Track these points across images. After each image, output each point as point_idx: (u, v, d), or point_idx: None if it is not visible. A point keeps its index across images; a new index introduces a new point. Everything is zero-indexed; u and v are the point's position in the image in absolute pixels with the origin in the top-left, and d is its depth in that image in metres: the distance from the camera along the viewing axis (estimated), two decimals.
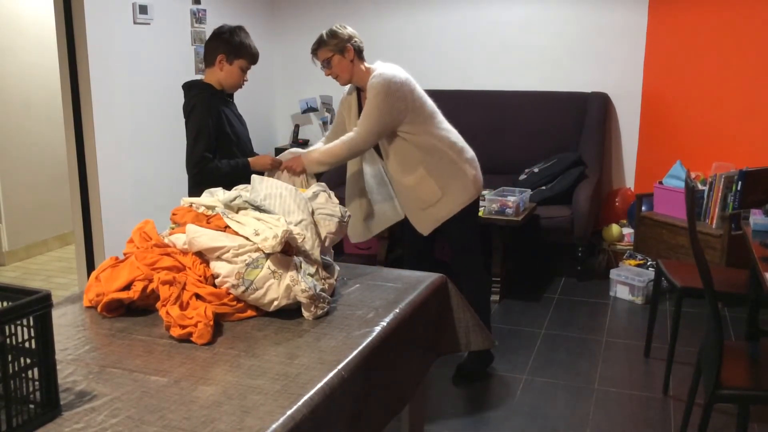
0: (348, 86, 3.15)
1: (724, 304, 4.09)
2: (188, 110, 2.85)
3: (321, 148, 2.99)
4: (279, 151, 5.55)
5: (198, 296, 1.89)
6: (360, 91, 3.09)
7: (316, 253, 2.06)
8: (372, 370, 1.76)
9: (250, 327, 1.88)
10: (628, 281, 4.29)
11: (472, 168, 3.11)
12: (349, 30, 2.99)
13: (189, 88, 2.90)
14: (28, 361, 1.36)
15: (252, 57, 2.91)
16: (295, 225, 2.06)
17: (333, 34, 2.95)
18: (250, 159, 2.92)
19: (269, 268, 1.90)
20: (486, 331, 2.41)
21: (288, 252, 1.98)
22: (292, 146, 5.66)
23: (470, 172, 3.09)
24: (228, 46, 2.86)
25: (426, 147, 3.01)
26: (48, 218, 5.46)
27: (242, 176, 2.87)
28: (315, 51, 2.99)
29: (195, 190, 2.78)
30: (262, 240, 1.93)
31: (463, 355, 3.38)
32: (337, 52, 2.94)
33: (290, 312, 1.94)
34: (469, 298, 3.15)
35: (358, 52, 2.98)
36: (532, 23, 5.12)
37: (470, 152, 3.14)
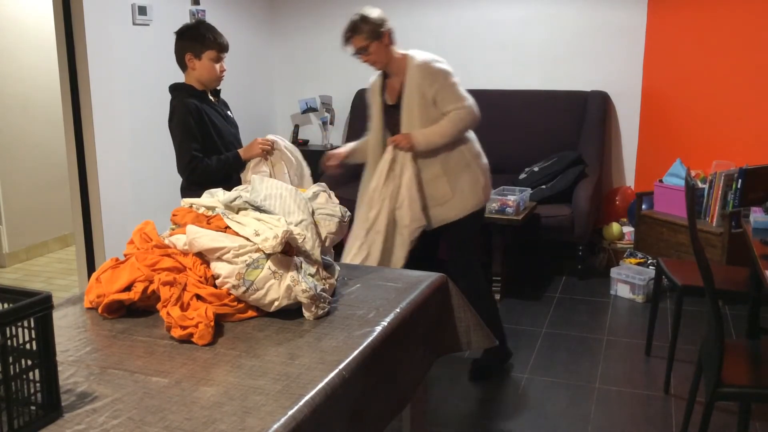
0: (374, 76, 3.11)
1: (725, 302, 4.09)
2: (170, 115, 2.84)
3: (425, 129, 2.95)
4: None
5: (199, 297, 1.89)
6: (386, 77, 3.04)
7: (316, 253, 2.06)
8: (373, 369, 1.76)
9: (251, 327, 1.88)
10: (628, 280, 4.29)
11: (483, 175, 3.12)
12: (379, 12, 2.91)
13: (172, 90, 2.90)
14: (29, 362, 1.36)
15: (219, 46, 2.86)
16: (296, 225, 2.06)
17: (365, 20, 2.87)
18: (240, 150, 2.90)
19: (270, 268, 1.90)
20: (487, 329, 2.41)
21: (288, 252, 1.98)
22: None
23: (482, 179, 3.10)
24: (191, 42, 2.83)
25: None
26: (48, 220, 5.46)
27: (234, 170, 2.87)
28: (349, 39, 2.90)
29: (188, 191, 2.78)
30: (263, 240, 1.93)
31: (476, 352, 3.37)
32: (373, 39, 2.87)
33: (291, 312, 1.94)
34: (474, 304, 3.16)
35: (392, 37, 2.91)
36: (532, 22, 5.12)
37: (485, 159, 3.15)
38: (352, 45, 2.92)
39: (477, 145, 3.13)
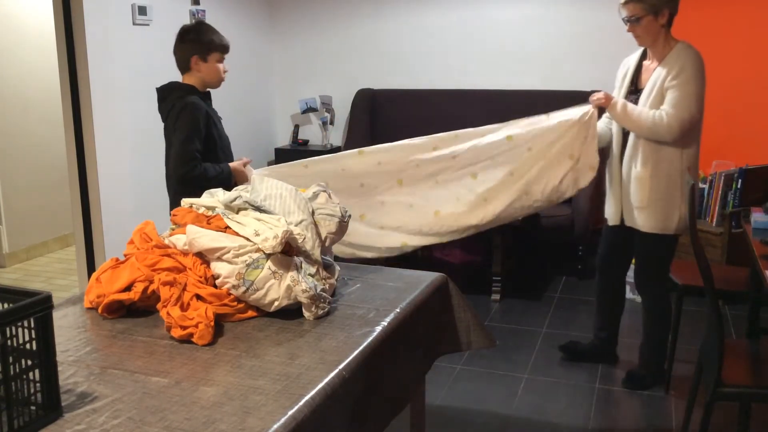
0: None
1: (725, 302, 4.09)
2: (176, 112, 2.77)
3: (631, 105, 2.81)
4: (278, 151, 5.55)
5: (199, 297, 1.89)
6: (643, 58, 2.92)
7: (316, 253, 2.06)
8: (373, 369, 1.76)
9: (251, 327, 1.88)
10: (628, 280, 4.28)
11: (684, 206, 2.84)
12: None
13: (170, 90, 2.85)
14: (29, 362, 1.36)
15: (224, 47, 2.88)
16: (296, 225, 2.06)
17: None
18: (231, 165, 2.86)
19: (270, 268, 1.90)
20: (487, 330, 2.41)
21: (288, 252, 1.98)
22: (291, 146, 5.66)
23: (681, 210, 2.87)
24: (197, 45, 2.83)
25: (667, 152, 2.84)
26: (48, 220, 5.46)
27: (225, 183, 2.74)
28: (627, 2, 2.74)
29: (179, 196, 2.71)
30: (263, 240, 1.94)
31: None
32: (650, 12, 2.71)
33: (291, 312, 1.94)
34: (649, 320, 3.13)
35: (670, 19, 2.76)
36: (532, 22, 5.12)
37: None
38: (626, 10, 2.76)
39: (694, 166, 2.93)
